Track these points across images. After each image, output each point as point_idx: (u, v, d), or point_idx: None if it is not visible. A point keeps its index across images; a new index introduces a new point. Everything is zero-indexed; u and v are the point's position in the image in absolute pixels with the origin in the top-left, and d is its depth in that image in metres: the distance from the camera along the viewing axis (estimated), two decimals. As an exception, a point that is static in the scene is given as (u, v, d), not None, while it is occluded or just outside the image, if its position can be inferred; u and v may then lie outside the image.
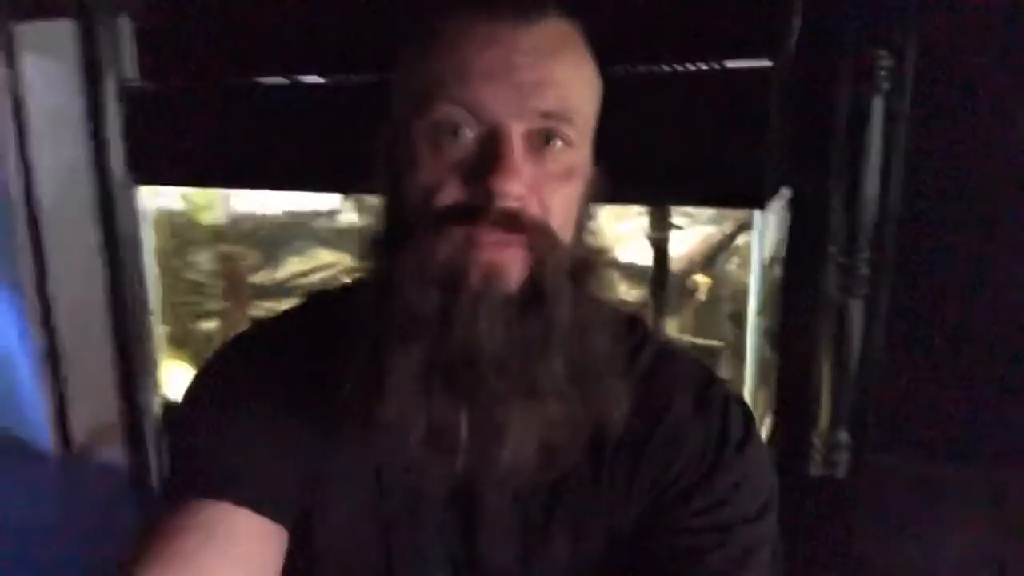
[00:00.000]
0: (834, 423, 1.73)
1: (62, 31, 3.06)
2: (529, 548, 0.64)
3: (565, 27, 0.61)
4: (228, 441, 0.63)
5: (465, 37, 0.57)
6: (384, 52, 1.85)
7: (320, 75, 1.91)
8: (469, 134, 0.56)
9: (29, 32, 3.02)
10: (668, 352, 0.71)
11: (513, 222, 0.55)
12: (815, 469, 1.76)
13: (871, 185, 1.67)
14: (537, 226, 0.57)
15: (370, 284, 0.60)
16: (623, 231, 2.09)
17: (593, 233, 0.64)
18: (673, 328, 1.91)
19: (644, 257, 2.06)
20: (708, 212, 1.95)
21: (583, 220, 0.63)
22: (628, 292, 2.07)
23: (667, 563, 0.62)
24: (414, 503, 0.64)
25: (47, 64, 3.04)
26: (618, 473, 0.64)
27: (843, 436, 1.73)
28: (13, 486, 3.03)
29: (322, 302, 0.74)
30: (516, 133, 0.56)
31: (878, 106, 1.75)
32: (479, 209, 0.55)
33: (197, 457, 0.63)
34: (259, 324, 0.74)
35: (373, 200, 1.96)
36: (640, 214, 2.05)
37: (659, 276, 1.76)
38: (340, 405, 0.58)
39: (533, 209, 0.57)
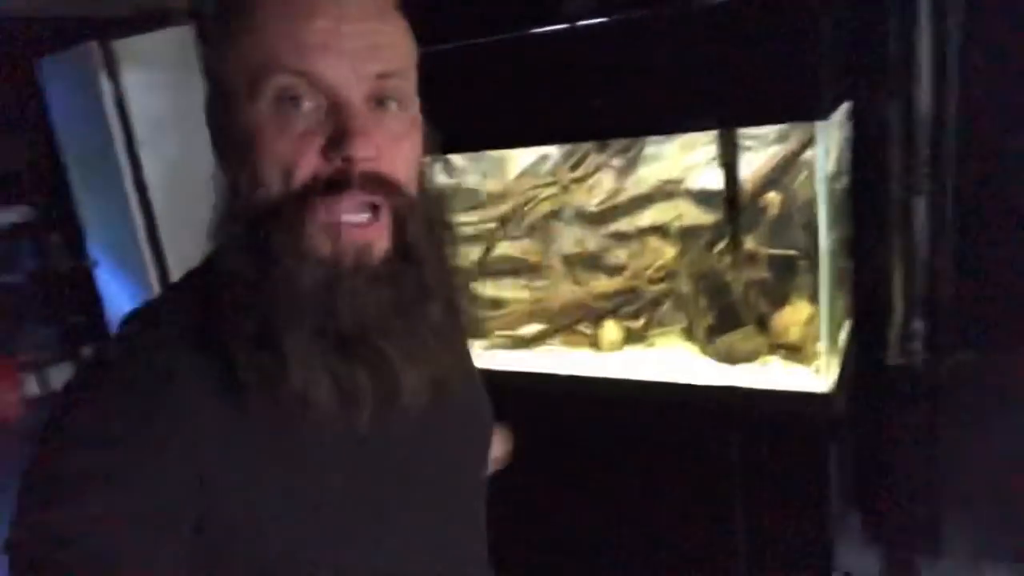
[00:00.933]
0: (908, 314, 1.86)
1: (155, 43, 3.36)
2: (451, 450, 0.76)
3: None
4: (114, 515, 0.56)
5: (289, 8, 0.58)
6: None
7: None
8: (309, 104, 0.59)
9: (125, 47, 3.30)
10: None
11: (374, 183, 0.59)
12: (893, 358, 1.88)
13: (924, 87, 1.77)
14: (394, 186, 0.61)
15: (240, 266, 0.60)
16: (693, 160, 2.24)
17: (430, 180, 0.70)
18: (750, 243, 2.04)
19: (716, 182, 2.21)
20: (773, 131, 2.07)
21: (423, 171, 0.68)
22: (702, 216, 2.22)
23: None
24: (336, 457, 0.65)
25: (145, 75, 3.32)
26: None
27: (917, 325, 1.85)
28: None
29: (175, 304, 0.67)
30: (357, 98, 0.59)
31: (926, 10, 1.84)
32: (340, 179, 0.58)
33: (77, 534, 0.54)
34: (117, 347, 0.63)
35: (458, 159, 2.15)
36: (709, 142, 2.18)
37: (732, 197, 1.90)
38: (239, 389, 0.59)
39: (386, 168, 0.61)
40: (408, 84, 0.65)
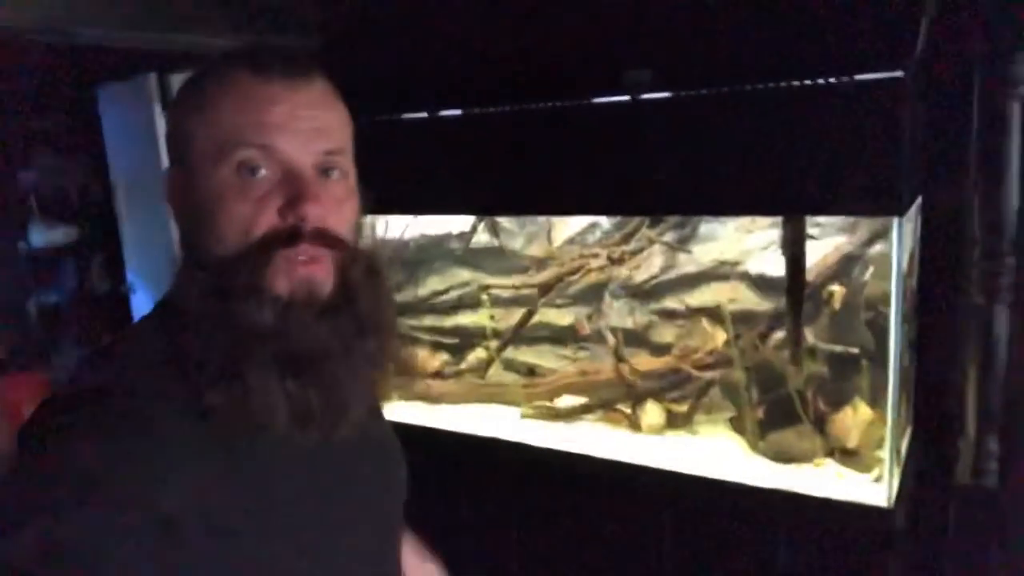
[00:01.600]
0: (982, 431, 1.71)
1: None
2: (376, 471, 0.86)
3: (328, 84, 0.76)
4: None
5: (250, 95, 0.70)
6: (522, 85, 1.97)
7: (459, 108, 2.06)
8: (266, 173, 0.70)
9: (182, 82, 3.32)
10: None
11: (323, 238, 0.71)
12: (962, 478, 1.74)
13: (1011, 189, 1.65)
14: (338, 239, 0.73)
15: (199, 309, 0.69)
16: (751, 243, 2.13)
17: (366, 237, 0.81)
18: (809, 336, 1.92)
19: (773, 268, 2.09)
20: (840, 222, 1.96)
21: (360, 228, 0.79)
22: (758, 302, 2.10)
23: None
24: (294, 466, 0.74)
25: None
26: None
27: (992, 444, 1.71)
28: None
29: (128, 354, 0.74)
30: (307, 169, 0.71)
31: (1016, 109, 1.74)
32: (295, 233, 0.69)
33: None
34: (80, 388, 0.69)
35: (504, 222, 2.07)
36: (769, 226, 2.08)
37: (795, 287, 1.79)
38: (200, 415, 0.67)
39: (331, 225, 0.72)
40: (347, 159, 0.77)
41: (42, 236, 4.24)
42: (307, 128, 0.71)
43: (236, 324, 0.67)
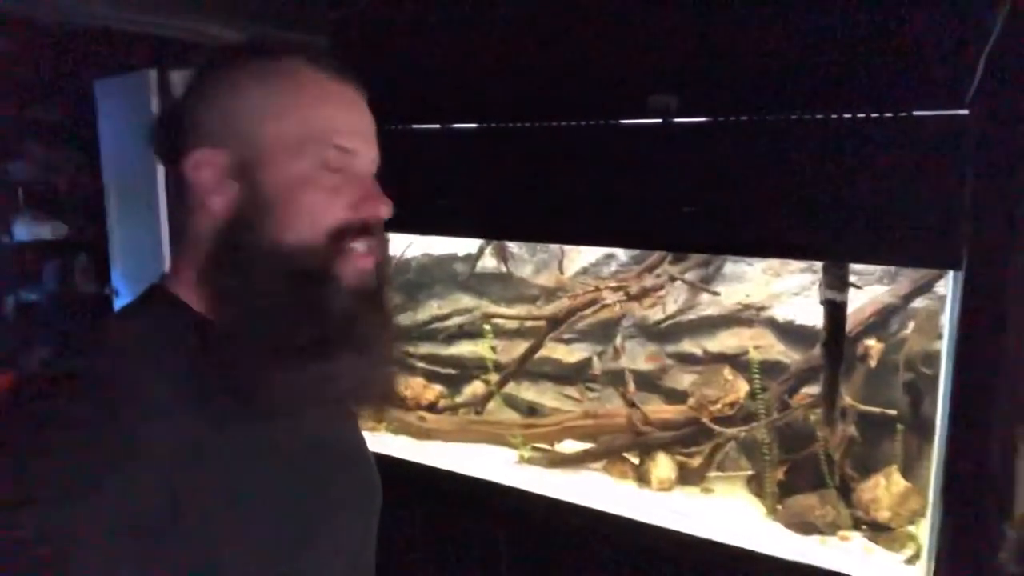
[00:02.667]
0: (1033, 514, 1.55)
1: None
2: (356, 475, 0.88)
3: None
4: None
5: (333, 96, 0.75)
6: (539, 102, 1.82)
7: (474, 122, 1.90)
8: (341, 171, 0.73)
9: (182, 78, 3.18)
10: None
11: (380, 231, 0.77)
12: (1008, 564, 1.57)
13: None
14: (384, 236, 0.78)
15: (271, 293, 0.70)
16: (780, 287, 1.97)
17: None
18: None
19: (803, 315, 1.93)
20: (878, 271, 1.81)
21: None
22: (786, 353, 1.94)
23: None
24: (277, 460, 0.74)
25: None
26: None
27: (1045, 529, 1.54)
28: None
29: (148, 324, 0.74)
30: (370, 169, 0.77)
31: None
32: (368, 227, 0.74)
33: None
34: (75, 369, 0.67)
35: (513, 247, 1.90)
36: (804, 270, 1.92)
37: (834, 339, 1.62)
38: (203, 400, 0.67)
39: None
40: None
41: (27, 230, 4.08)
42: (371, 134, 0.78)
43: (318, 308, 0.70)
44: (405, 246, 2.41)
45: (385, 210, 0.76)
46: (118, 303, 3.85)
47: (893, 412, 1.73)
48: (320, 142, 0.72)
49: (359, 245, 0.73)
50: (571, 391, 2.25)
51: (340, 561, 0.81)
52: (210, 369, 0.68)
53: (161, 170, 3.23)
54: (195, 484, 0.65)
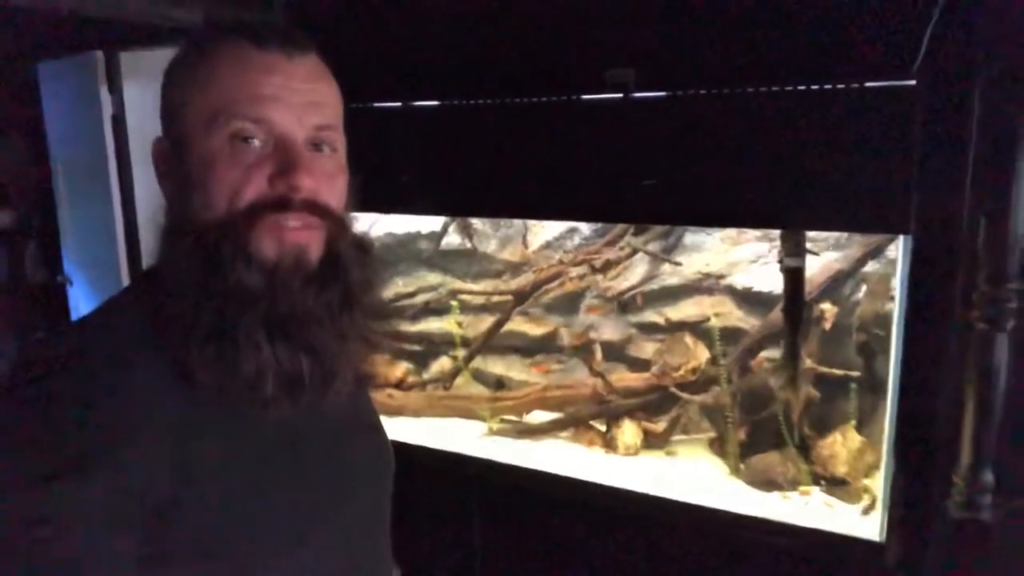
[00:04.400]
0: (977, 463, 1.64)
1: (163, 60, 3.18)
2: (367, 451, 0.87)
3: (321, 62, 0.75)
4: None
5: (247, 65, 0.70)
6: (506, 78, 1.84)
7: (434, 99, 1.91)
8: (258, 143, 0.69)
9: (131, 60, 3.10)
10: None
11: (312, 208, 0.70)
12: (956, 511, 1.66)
13: (1020, 211, 1.57)
14: (328, 211, 0.72)
15: (186, 273, 0.68)
16: (738, 255, 2.03)
17: (355, 223, 0.79)
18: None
19: (761, 282, 2.00)
20: (832, 237, 1.87)
21: (348, 210, 0.78)
22: (745, 319, 2.00)
23: None
24: (281, 437, 0.73)
25: (147, 92, 3.12)
26: None
27: (987, 477, 1.63)
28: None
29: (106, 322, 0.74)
30: (300, 141, 0.71)
31: None
32: (285, 201, 0.69)
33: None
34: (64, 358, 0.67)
35: (477, 223, 1.92)
36: (760, 238, 1.98)
37: (793, 304, 1.69)
38: (190, 384, 0.66)
39: (322, 198, 0.71)
40: (338, 134, 0.76)
41: (-28, 220, 3.97)
42: (301, 102, 0.71)
43: (225, 287, 0.67)
44: (368, 225, 2.41)
45: (301, 180, 0.69)
46: (71, 291, 3.77)
47: (856, 374, 1.80)
48: (230, 114, 0.69)
49: (287, 220, 0.69)
50: (538, 363, 2.29)
51: (356, 531, 0.81)
52: None
53: (111, 153, 3.16)
54: (197, 463, 0.66)
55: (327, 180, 0.72)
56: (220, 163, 0.69)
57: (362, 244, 0.78)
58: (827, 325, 1.85)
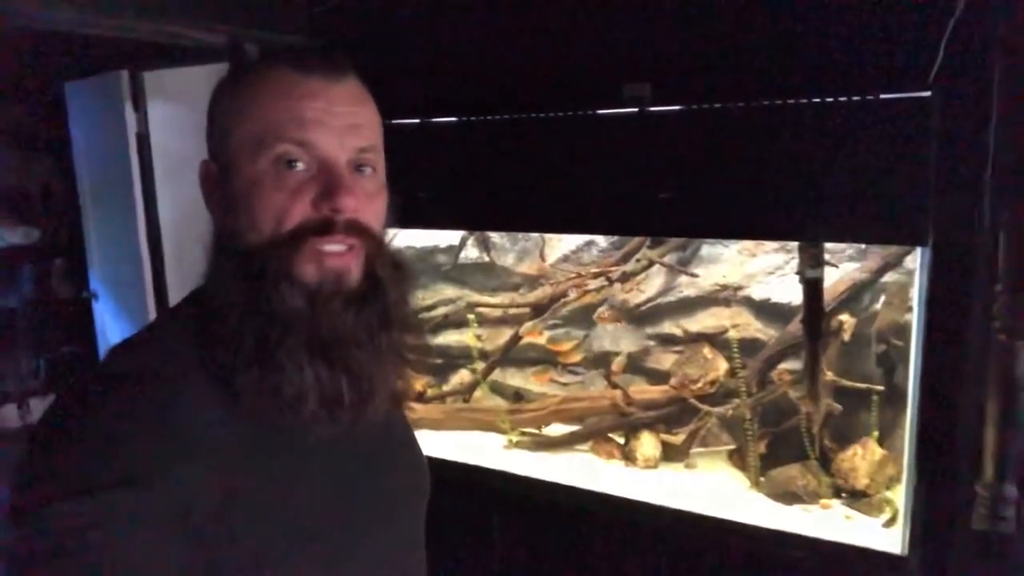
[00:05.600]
0: (1000, 475, 1.62)
1: (187, 78, 3.23)
2: (402, 467, 0.89)
3: (362, 85, 0.78)
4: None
5: (291, 91, 0.72)
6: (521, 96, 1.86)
7: (452, 116, 1.94)
8: (302, 167, 0.71)
9: (155, 79, 3.16)
10: None
11: (354, 229, 0.72)
12: (979, 523, 1.64)
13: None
14: (368, 231, 0.74)
15: (231, 294, 0.70)
16: (755, 267, 2.03)
17: (391, 240, 0.82)
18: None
19: (778, 294, 2.00)
20: (851, 248, 1.87)
21: (386, 229, 0.80)
22: (763, 331, 2.00)
23: None
24: (322, 455, 0.74)
25: (172, 110, 3.17)
26: None
27: (1010, 489, 1.62)
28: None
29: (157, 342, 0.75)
30: (342, 164, 0.73)
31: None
32: (328, 224, 0.71)
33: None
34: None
35: (495, 237, 1.94)
36: (777, 249, 1.98)
37: (813, 315, 1.69)
38: (234, 402, 0.68)
39: (362, 219, 0.73)
40: (379, 156, 0.78)
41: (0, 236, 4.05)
42: (342, 125, 0.73)
43: (268, 309, 0.69)
44: (389, 238, 2.44)
45: (345, 202, 0.71)
46: (97, 306, 3.83)
47: (880, 388, 1.79)
48: (275, 138, 0.71)
49: (329, 244, 0.71)
50: (556, 375, 2.30)
51: (393, 547, 0.82)
52: None
53: (136, 171, 3.22)
54: (241, 481, 0.67)
55: (368, 200, 0.74)
56: (266, 187, 0.71)
57: (399, 263, 0.79)
58: (846, 336, 1.84)
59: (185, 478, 0.63)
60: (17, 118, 3.93)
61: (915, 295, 1.54)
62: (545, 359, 2.32)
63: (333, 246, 0.71)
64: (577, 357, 2.26)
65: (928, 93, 1.47)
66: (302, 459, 0.73)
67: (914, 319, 1.55)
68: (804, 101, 1.55)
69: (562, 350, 2.26)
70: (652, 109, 1.73)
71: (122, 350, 0.73)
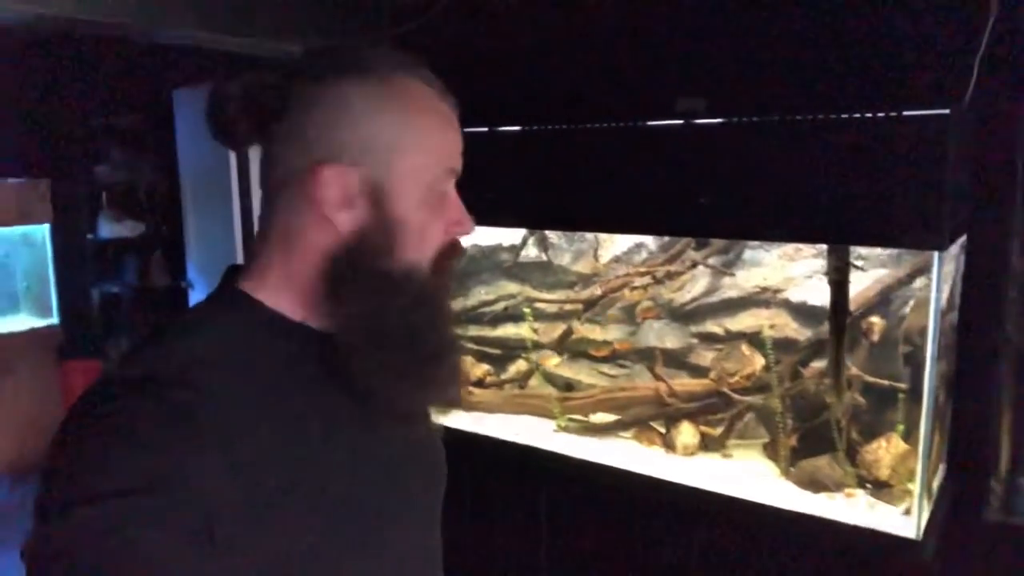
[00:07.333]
0: (1015, 468, 1.72)
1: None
2: (424, 464, 0.90)
3: None
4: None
5: (447, 122, 0.77)
6: (581, 106, 2.06)
7: (517, 125, 2.15)
8: (449, 192, 0.78)
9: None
10: None
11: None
12: (993, 515, 1.74)
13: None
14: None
15: (377, 312, 0.73)
16: (794, 270, 2.17)
17: None
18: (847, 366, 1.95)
19: (815, 297, 2.13)
20: (883, 254, 1.99)
21: None
22: (799, 331, 2.14)
23: None
24: (359, 447, 0.77)
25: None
26: None
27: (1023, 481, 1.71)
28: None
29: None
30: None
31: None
32: (457, 248, 0.79)
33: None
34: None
35: (553, 237, 2.14)
36: (815, 255, 2.12)
37: (838, 315, 1.82)
38: (274, 403, 0.70)
39: None
40: None
41: (109, 229, 4.44)
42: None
43: (431, 326, 0.75)
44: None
45: (472, 226, 0.78)
46: (193, 295, 4.19)
47: (902, 385, 1.91)
48: (439, 166, 0.75)
49: (454, 265, 0.78)
50: (604, 367, 2.47)
51: (413, 542, 0.85)
52: (303, 375, 0.72)
53: (234, 173, 3.55)
54: (276, 486, 0.66)
55: None
56: (424, 211, 0.74)
57: None
58: (875, 338, 1.96)
59: (207, 484, 0.62)
60: (131, 123, 4.30)
61: (932, 297, 1.65)
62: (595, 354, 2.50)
63: (453, 264, 0.79)
64: (627, 346, 2.43)
65: (947, 111, 1.60)
66: (338, 462, 0.73)
67: (930, 320, 1.66)
68: (832, 117, 1.70)
69: (624, 348, 2.44)
70: (698, 122, 1.90)
71: (145, 348, 0.71)
